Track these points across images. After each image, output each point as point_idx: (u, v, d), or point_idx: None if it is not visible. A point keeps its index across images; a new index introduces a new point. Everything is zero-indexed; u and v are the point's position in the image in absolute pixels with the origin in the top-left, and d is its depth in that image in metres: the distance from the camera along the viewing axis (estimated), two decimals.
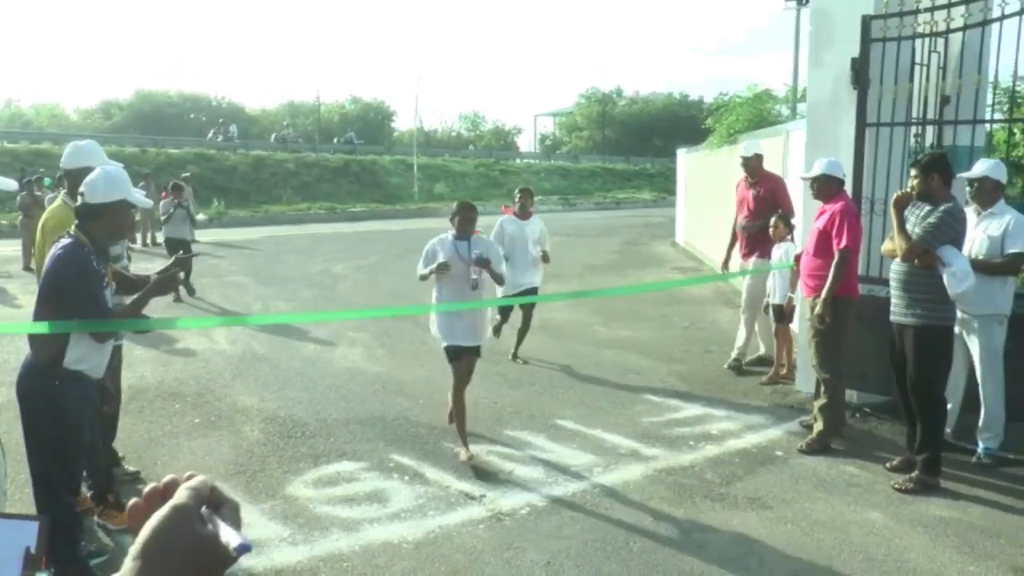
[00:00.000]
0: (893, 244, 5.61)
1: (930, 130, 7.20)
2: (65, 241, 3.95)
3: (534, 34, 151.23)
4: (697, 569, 4.36)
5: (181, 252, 4.95)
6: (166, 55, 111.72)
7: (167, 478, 0.96)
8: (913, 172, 5.55)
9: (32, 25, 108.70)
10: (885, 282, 6.15)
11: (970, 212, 5.82)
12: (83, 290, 3.86)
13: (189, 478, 0.95)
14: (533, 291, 8.47)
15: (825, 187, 6.17)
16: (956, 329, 5.67)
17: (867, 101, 6.77)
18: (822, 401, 6.20)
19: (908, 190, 5.59)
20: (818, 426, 6.22)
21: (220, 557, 0.89)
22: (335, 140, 48.13)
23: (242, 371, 8.35)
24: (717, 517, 5.00)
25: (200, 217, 23.83)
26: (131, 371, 7.37)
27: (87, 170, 4.13)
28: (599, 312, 11.58)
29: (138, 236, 20.15)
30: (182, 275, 4.74)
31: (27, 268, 15.97)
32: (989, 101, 7.70)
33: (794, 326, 7.94)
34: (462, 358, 5.98)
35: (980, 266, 5.53)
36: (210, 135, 43.81)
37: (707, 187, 16.87)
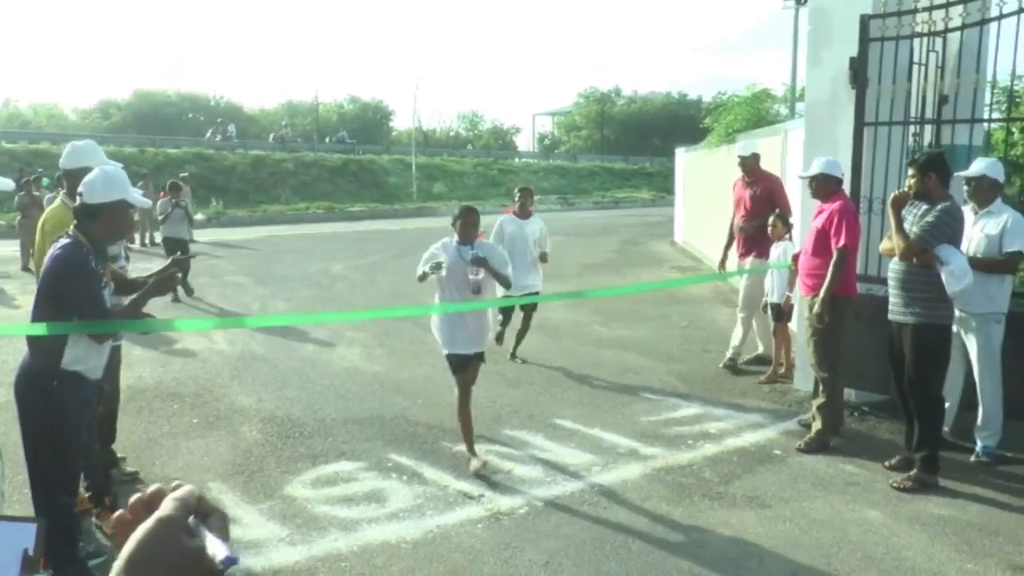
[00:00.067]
0: (891, 243, 5.62)
1: (928, 129, 7.20)
2: (64, 241, 3.95)
3: (532, 33, 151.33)
4: (695, 568, 4.37)
5: (179, 253, 4.96)
6: (166, 55, 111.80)
7: (152, 488, 0.94)
8: (910, 171, 5.56)
9: (30, 25, 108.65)
10: (883, 281, 6.15)
11: (967, 211, 5.83)
12: (81, 290, 3.86)
13: (176, 487, 0.93)
14: (533, 295, 8.38)
15: (823, 186, 6.17)
16: (954, 328, 5.67)
17: (865, 100, 6.77)
18: (820, 400, 6.21)
19: (905, 189, 5.59)
20: (816, 425, 6.22)
21: (207, 571, 0.87)
22: (327, 139, 47.96)
23: (240, 371, 8.35)
24: (715, 516, 5.00)
25: (199, 217, 23.82)
26: (129, 371, 7.36)
27: (86, 170, 4.13)
28: (598, 311, 11.58)
29: (136, 236, 20.15)
30: (180, 275, 4.73)
31: (25, 268, 15.96)
32: (987, 100, 7.70)
33: (792, 325, 7.95)
34: (467, 368, 5.80)
35: (978, 264, 5.53)
36: (208, 135, 43.79)
37: (706, 186, 16.88)
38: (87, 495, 4.81)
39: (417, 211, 34.75)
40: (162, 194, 14.05)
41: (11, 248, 17.25)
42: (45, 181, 19.76)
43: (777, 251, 7.89)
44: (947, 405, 5.83)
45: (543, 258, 8.54)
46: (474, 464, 5.61)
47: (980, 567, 4.37)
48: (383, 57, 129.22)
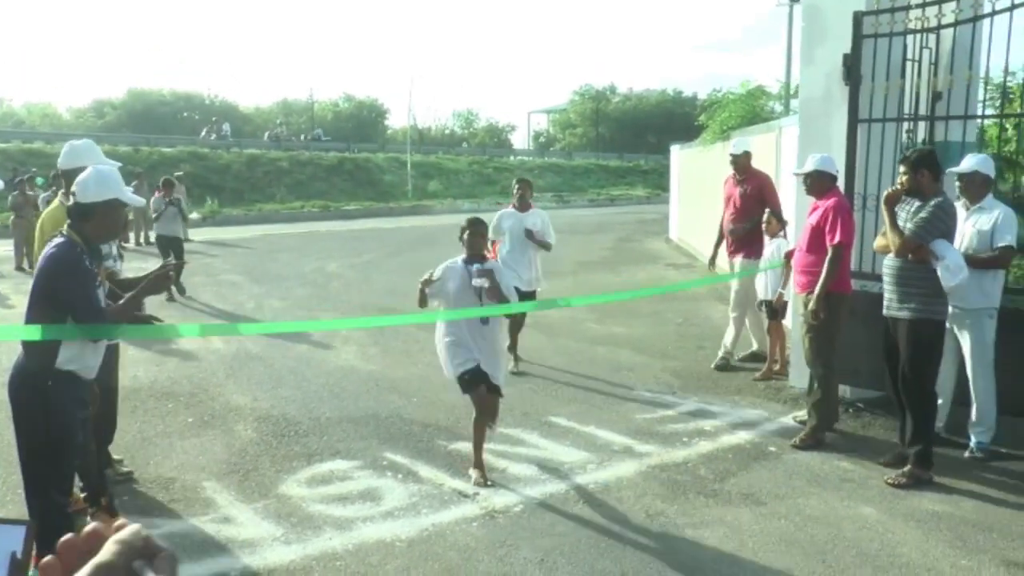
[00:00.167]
0: (885, 240, 5.63)
1: (922, 126, 7.22)
2: (57, 240, 3.95)
3: (527, 31, 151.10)
4: (690, 565, 4.37)
5: (172, 252, 4.95)
6: (166, 55, 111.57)
7: (89, 527, 0.86)
8: (902, 169, 5.57)
9: (24, 24, 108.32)
10: (878, 277, 6.16)
11: (959, 207, 5.84)
12: (75, 289, 3.85)
13: (119, 527, 0.85)
14: (531, 295, 8.18)
15: (818, 183, 6.18)
16: (947, 324, 5.68)
17: (859, 97, 6.78)
18: (815, 397, 6.22)
19: (898, 187, 5.60)
20: (811, 422, 6.23)
21: None
22: (303, 137, 47.54)
23: (235, 370, 8.34)
24: (710, 513, 5.01)
25: (194, 216, 23.77)
26: (124, 371, 7.33)
27: (83, 170, 4.12)
28: (592, 309, 11.57)
29: (131, 235, 20.11)
30: (173, 274, 4.73)
31: (19, 268, 15.94)
32: (980, 97, 7.72)
33: (787, 322, 7.96)
34: (479, 383, 5.45)
35: (970, 260, 5.55)
36: (203, 133, 43.73)
37: (700, 183, 16.89)
38: (83, 495, 4.80)
39: (412, 209, 34.75)
40: (157, 192, 14.03)
41: (4, 248, 17.21)
42: (39, 181, 19.72)
43: (771, 248, 7.90)
44: (940, 401, 5.85)
45: (546, 247, 8.24)
46: (475, 476, 5.47)
47: (974, 563, 4.38)
48: (378, 55, 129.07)
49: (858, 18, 6.69)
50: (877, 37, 6.63)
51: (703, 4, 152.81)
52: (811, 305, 6.02)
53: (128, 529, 0.84)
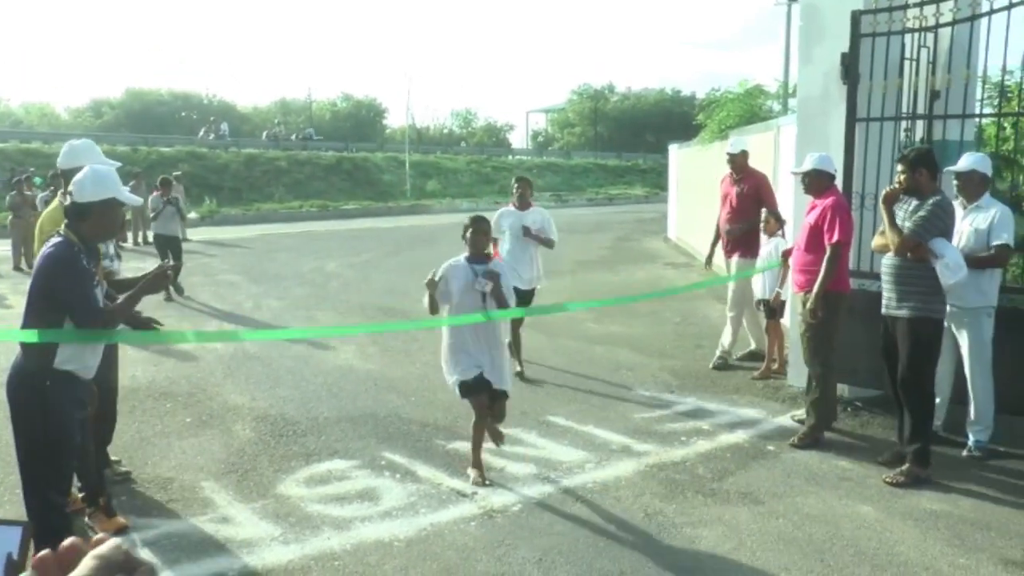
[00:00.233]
0: (884, 239, 5.63)
1: (920, 125, 7.22)
2: (55, 240, 3.95)
3: (526, 30, 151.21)
4: (689, 564, 4.37)
5: (170, 252, 4.95)
6: (166, 55, 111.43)
7: (67, 542, 0.84)
8: (900, 168, 5.58)
9: (23, 24, 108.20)
10: (876, 276, 6.17)
11: (956, 206, 5.84)
12: (73, 288, 3.84)
13: (97, 542, 0.83)
14: (531, 293, 8.14)
15: (816, 182, 6.17)
16: (945, 323, 5.68)
17: (857, 96, 6.78)
18: (814, 396, 6.22)
19: (895, 186, 5.60)
20: (810, 420, 6.23)
21: None
22: (293, 137, 47.34)
23: (233, 370, 8.34)
24: (709, 512, 5.01)
25: (192, 215, 23.77)
26: (122, 371, 7.31)
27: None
28: (591, 308, 11.55)
29: (129, 235, 20.10)
30: (172, 273, 4.72)
31: (17, 268, 15.93)
32: (978, 95, 7.71)
33: (785, 321, 7.96)
34: (480, 392, 5.40)
35: (968, 259, 5.55)
36: (201, 133, 43.69)
37: (699, 183, 16.88)
38: (80, 495, 4.79)
39: (411, 209, 34.77)
40: (154, 191, 14.02)
41: (2, 248, 17.21)
42: (37, 180, 19.71)
43: (769, 247, 7.90)
44: (938, 400, 5.86)
45: (548, 244, 8.11)
46: (473, 476, 5.46)
47: (972, 561, 4.38)
48: (376, 54, 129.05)
49: (856, 17, 6.69)
50: (875, 36, 6.63)
51: (701, 3, 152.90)
52: (809, 304, 6.02)
53: (107, 544, 0.82)
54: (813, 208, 6.21)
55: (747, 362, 8.50)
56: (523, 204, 8.20)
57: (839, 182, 6.47)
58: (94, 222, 3.95)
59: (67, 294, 3.85)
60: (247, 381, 7.94)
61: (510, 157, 54.24)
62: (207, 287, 13.73)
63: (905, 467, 5.45)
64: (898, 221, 5.48)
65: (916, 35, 6.81)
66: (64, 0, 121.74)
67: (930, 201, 5.39)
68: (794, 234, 7.08)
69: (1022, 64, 6.13)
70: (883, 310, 5.63)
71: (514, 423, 6.60)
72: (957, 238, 5.72)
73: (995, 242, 5.70)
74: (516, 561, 4.40)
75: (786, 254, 7.40)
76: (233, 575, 4.31)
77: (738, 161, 8.46)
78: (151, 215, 13.47)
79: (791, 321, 7.40)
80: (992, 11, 6.05)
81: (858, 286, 6.56)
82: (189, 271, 14.02)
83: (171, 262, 4.67)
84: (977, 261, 5.65)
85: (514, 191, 8.26)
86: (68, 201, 3.99)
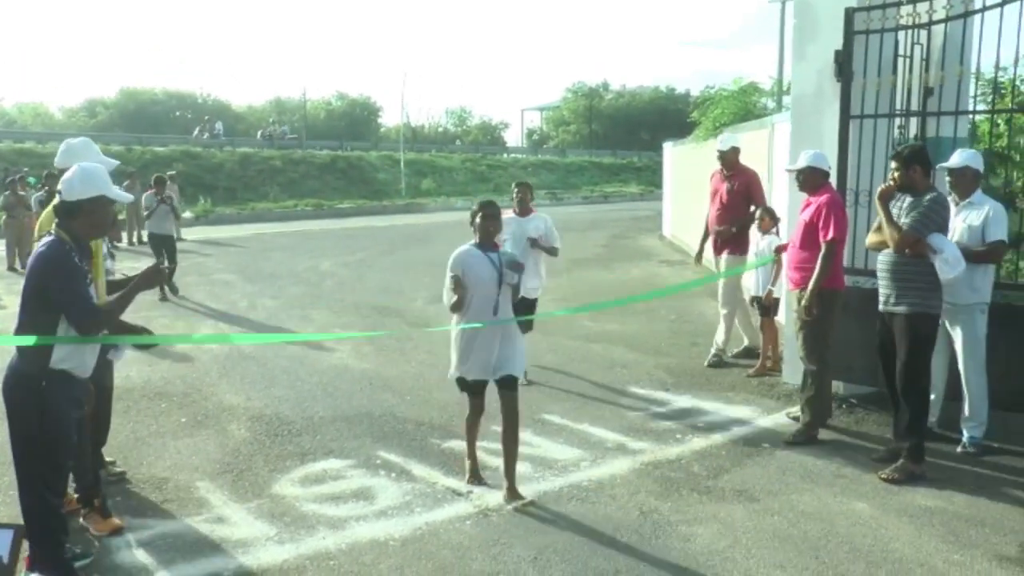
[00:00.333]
0: (878, 237, 5.64)
1: (913, 122, 7.22)
2: (47, 239, 3.96)
3: (520, 28, 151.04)
4: (684, 562, 4.37)
5: (165, 251, 4.93)
6: (166, 55, 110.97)
7: None
8: (894, 164, 5.58)
9: (18, 24, 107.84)
10: (870, 273, 6.18)
11: (949, 202, 5.85)
12: (66, 284, 3.83)
13: None
14: (534, 302, 7.84)
15: (810, 179, 6.18)
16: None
17: (851, 93, 6.79)
18: (809, 393, 6.23)
19: (890, 183, 5.61)
20: (805, 418, 6.24)
21: None
22: (259, 135, 46.57)
23: (228, 370, 8.33)
24: (704, 510, 5.01)
25: (187, 215, 23.75)
26: (117, 371, 7.29)
27: None
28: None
29: (123, 234, 20.07)
30: (167, 270, 4.71)
31: (11, 268, 15.89)
32: (972, 92, 7.73)
33: (779, 318, 7.97)
34: (479, 393, 5.33)
35: (964, 255, 5.55)
36: (196, 133, 43.63)
37: (693, 180, 16.88)
38: (75, 496, 4.78)
39: (406, 207, 34.77)
40: (149, 190, 13.99)
41: None
42: (31, 180, 19.67)
43: (763, 244, 7.91)
44: (932, 397, 5.86)
45: (553, 252, 7.80)
46: (468, 478, 5.44)
47: (967, 558, 4.39)
48: (371, 53, 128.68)
49: (849, 14, 6.70)
50: (868, 33, 6.64)
51: (696, 1, 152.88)
52: (804, 301, 6.03)
53: None
54: (807, 205, 6.21)
55: (742, 360, 8.51)
56: (524, 210, 7.85)
57: (833, 179, 6.47)
58: (84, 220, 3.95)
59: (60, 293, 3.84)
60: (242, 381, 7.92)
61: (505, 155, 54.25)
62: (202, 286, 13.71)
63: (900, 463, 5.46)
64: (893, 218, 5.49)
65: (909, 32, 6.82)
66: (62, 0, 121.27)
67: (927, 197, 5.40)
68: (788, 231, 7.09)
69: (1015, 60, 6.15)
70: (880, 307, 5.63)
71: None
72: (950, 234, 5.72)
73: (990, 239, 5.71)
74: (511, 560, 4.40)
75: (779, 250, 7.42)
76: (228, 575, 4.30)
77: (728, 158, 8.46)
78: (145, 214, 13.45)
79: (786, 318, 7.41)
80: (985, 8, 6.07)
81: (853, 283, 6.57)
82: (184, 271, 14.01)
83: (166, 261, 4.65)
84: (971, 256, 5.65)
85: (514, 196, 7.91)
86: (57, 199, 3.99)
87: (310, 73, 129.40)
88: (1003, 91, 8.71)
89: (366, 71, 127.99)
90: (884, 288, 5.60)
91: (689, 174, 17.93)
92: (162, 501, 5.19)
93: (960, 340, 5.84)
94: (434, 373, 7.99)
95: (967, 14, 6.35)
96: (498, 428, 5.62)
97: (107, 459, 5.53)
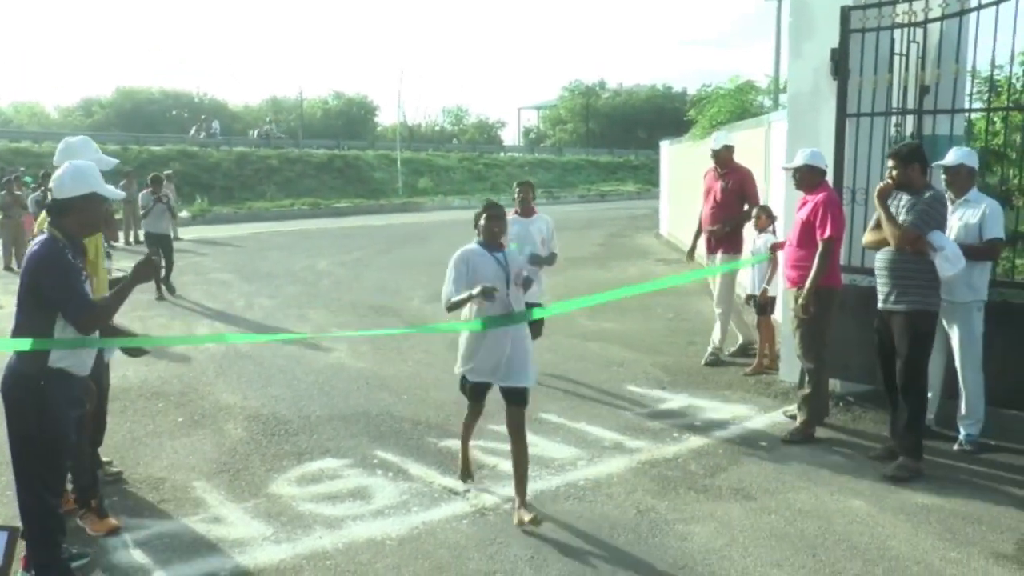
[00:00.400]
0: (876, 235, 5.63)
1: (910, 120, 7.23)
2: (39, 238, 3.97)
3: (517, 26, 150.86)
4: (681, 560, 4.37)
5: (160, 249, 4.92)
6: (166, 55, 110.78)
7: None
8: (891, 163, 5.57)
9: (15, 23, 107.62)
10: (867, 272, 6.18)
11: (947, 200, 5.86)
12: (60, 281, 3.82)
13: None
14: (536, 307, 7.73)
15: (807, 177, 6.18)
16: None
17: (847, 91, 6.79)
18: (806, 391, 6.23)
19: (888, 181, 5.61)
20: (802, 416, 6.24)
21: None
22: (250, 133, 46.53)
23: (225, 369, 8.32)
24: (701, 508, 5.01)
25: (183, 214, 23.71)
26: (113, 371, 7.28)
27: None
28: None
29: (120, 234, 20.04)
30: (160, 260, 4.70)
31: (7, 268, 15.86)
32: (968, 90, 7.73)
33: (777, 316, 7.97)
34: (480, 397, 5.18)
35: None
36: (192, 132, 43.59)
37: (690, 179, 16.86)
38: (73, 496, 4.77)
39: (403, 206, 34.77)
40: (145, 189, 13.97)
41: None
42: (27, 180, 19.64)
43: (759, 242, 7.91)
44: (929, 395, 5.86)
45: (551, 260, 7.33)
46: (461, 471, 5.43)
47: (963, 555, 4.39)
48: (368, 52, 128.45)
49: (845, 13, 6.70)
50: (865, 31, 6.65)
51: None
52: (801, 299, 6.03)
53: None
54: (804, 204, 6.22)
55: (739, 358, 8.51)
56: (526, 210, 7.63)
57: (830, 177, 6.47)
58: (75, 217, 3.95)
59: (54, 290, 3.83)
60: (239, 380, 7.92)
61: (502, 154, 54.24)
62: (199, 286, 13.70)
63: (900, 461, 5.46)
64: None
65: (905, 30, 6.83)
66: (61, 0, 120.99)
67: (926, 195, 5.41)
68: (785, 230, 7.09)
69: (1011, 58, 6.18)
70: (879, 305, 5.62)
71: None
72: (947, 232, 5.73)
73: (987, 236, 5.72)
74: (508, 559, 4.40)
75: (775, 248, 7.41)
76: (225, 575, 4.30)
77: (722, 156, 8.46)
78: (142, 213, 13.43)
79: (783, 317, 7.41)
80: (980, 6, 6.07)
81: (850, 281, 6.57)
82: (180, 270, 13.98)
83: (159, 255, 4.64)
84: (969, 254, 5.65)
85: (516, 196, 7.71)
86: (49, 198, 3.99)
87: (307, 72, 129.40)
88: (999, 89, 8.71)
89: (363, 70, 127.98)
90: (883, 286, 5.59)
91: (686, 172, 17.92)
92: (159, 501, 5.18)
93: (957, 338, 5.85)
94: (431, 372, 7.99)
95: (963, 12, 6.36)
96: (496, 427, 5.62)
97: (104, 459, 5.52)
